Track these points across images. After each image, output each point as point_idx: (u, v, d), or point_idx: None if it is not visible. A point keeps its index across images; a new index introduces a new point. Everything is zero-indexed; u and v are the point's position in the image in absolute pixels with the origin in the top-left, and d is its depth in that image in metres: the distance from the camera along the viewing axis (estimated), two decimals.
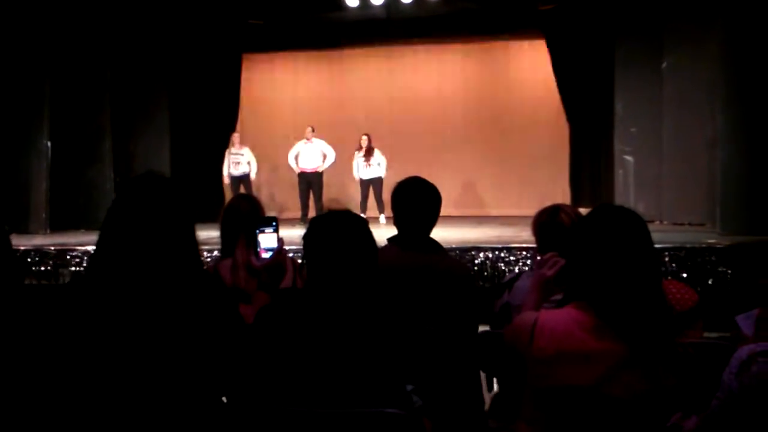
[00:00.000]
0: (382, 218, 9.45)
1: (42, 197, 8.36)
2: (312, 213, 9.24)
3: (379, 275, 1.85)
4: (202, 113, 10.58)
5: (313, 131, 9.60)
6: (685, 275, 5.64)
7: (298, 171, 9.60)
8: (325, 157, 9.58)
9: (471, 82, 11.20)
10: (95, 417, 1.58)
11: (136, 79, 9.45)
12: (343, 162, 9.87)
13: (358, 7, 9.57)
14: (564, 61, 9.91)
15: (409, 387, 1.93)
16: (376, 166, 9.53)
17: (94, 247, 1.69)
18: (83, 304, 1.64)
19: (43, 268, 6.59)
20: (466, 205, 10.85)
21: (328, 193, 10.30)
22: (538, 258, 2.11)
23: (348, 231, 1.84)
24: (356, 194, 9.89)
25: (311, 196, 9.61)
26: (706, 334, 2.53)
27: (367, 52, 11.32)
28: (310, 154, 9.57)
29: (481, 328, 2.61)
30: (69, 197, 8.78)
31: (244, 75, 11.12)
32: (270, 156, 11.50)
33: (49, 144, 8.41)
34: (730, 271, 5.65)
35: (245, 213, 2.73)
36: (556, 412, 1.65)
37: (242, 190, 9.67)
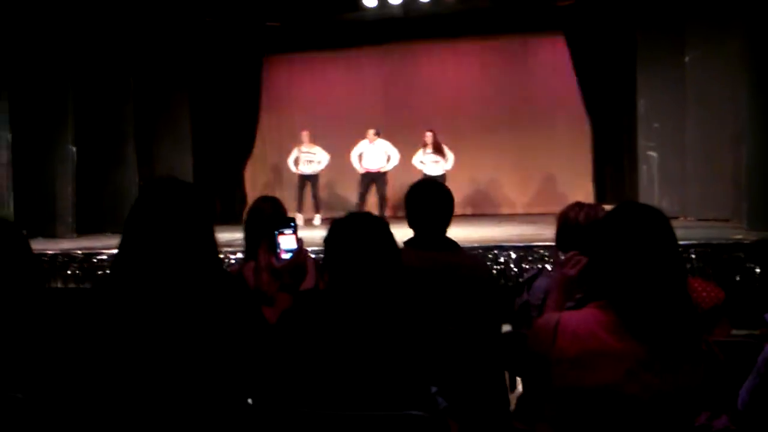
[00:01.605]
0: None
1: (68, 201, 8.47)
2: (374, 210, 9.25)
3: (401, 277, 1.84)
4: (223, 115, 10.66)
5: (377, 134, 9.55)
6: (711, 272, 5.56)
7: (362, 171, 9.57)
8: (389, 158, 9.54)
9: (490, 80, 11.14)
10: (119, 419, 1.59)
11: (159, 84, 9.55)
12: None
13: (376, 7, 9.56)
14: (584, 57, 9.83)
15: (434, 389, 1.92)
16: (443, 163, 9.42)
17: (117, 251, 1.70)
18: (107, 307, 1.65)
19: (70, 272, 6.68)
20: (487, 204, 10.79)
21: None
22: (561, 257, 2.09)
23: (369, 233, 1.83)
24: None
25: (366, 195, 9.59)
26: (734, 332, 2.49)
27: (386, 52, 11.31)
28: (375, 155, 9.54)
29: (505, 328, 2.59)
30: (94, 201, 8.89)
31: (264, 77, 11.18)
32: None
33: (74, 149, 8.52)
34: (758, 268, 5.56)
35: (268, 215, 2.74)
36: (579, 412, 1.64)
37: (309, 189, 9.70)
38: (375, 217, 1.92)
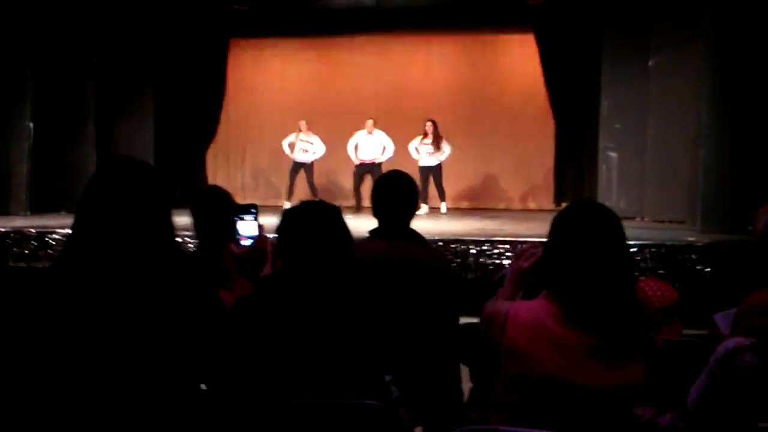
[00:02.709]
0: (443, 206, 9.43)
1: (23, 179, 8.26)
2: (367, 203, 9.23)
3: (354, 265, 1.85)
4: (187, 97, 10.48)
5: (374, 123, 9.50)
6: (664, 272, 5.68)
7: (357, 162, 9.51)
8: (384, 149, 9.49)
9: (459, 74, 11.17)
10: (70, 402, 1.56)
11: (121, 63, 9.34)
12: (330, 150, 9.84)
13: None
14: (552, 56, 9.92)
15: (387, 377, 1.93)
16: (438, 154, 9.37)
17: (70, 230, 1.66)
18: (59, 287, 1.61)
19: (25, 251, 6.52)
20: (450, 197, 10.84)
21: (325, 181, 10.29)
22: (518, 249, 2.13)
23: (321, 221, 1.83)
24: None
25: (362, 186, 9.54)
26: (685, 332, 2.55)
27: (356, 41, 11.25)
28: (370, 146, 9.48)
29: (463, 320, 2.61)
30: (51, 179, 8.68)
31: (231, 60, 11.02)
32: (256, 140, 11.48)
33: (31, 125, 8.30)
34: (708, 270, 5.70)
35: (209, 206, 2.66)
36: (528, 400, 1.67)
37: (301, 176, 9.62)
38: (328, 205, 1.92)
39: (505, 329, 1.68)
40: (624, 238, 1.73)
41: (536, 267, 1.90)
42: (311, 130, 9.78)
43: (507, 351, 1.68)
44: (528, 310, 1.71)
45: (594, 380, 1.63)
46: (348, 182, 10.09)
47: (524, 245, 2.16)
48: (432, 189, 9.49)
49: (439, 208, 9.36)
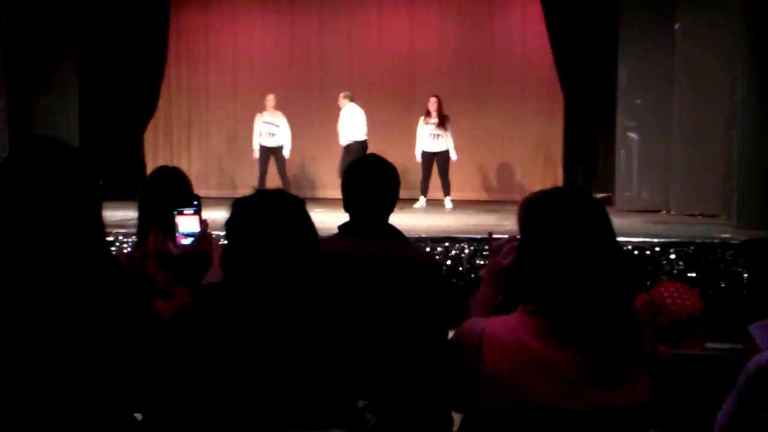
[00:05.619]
0: (448, 202, 9.53)
1: None
2: None
3: (319, 266, 1.85)
4: (119, 67, 10.40)
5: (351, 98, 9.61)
6: (693, 275, 5.75)
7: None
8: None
9: (448, 40, 11.22)
10: None
11: (39, 26, 9.26)
12: (298, 134, 9.85)
13: None
14: (560, 17, 9.97)
15: (361, 403, 1.94)
16: (445, 138, 9.40)
17: None
18: None
19: None
20: (438, 188, 10.90)
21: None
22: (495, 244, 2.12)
23: (280, 214, 1.83)
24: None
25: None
26: (715, 345, 2.60)
27: (325, 1, 11.27)
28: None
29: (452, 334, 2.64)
30: None
31: (174, 22, 10.97)
32: (205, 118, 11.46)
33: None
34: (745, 272, 5.78)
35: (164, 188, 2.70)
36: None
37: (273, 163, 9.69)
38: (288, 195, 1.91)
39: (480, 353, 1.65)
40: (612, 230, 1.69)
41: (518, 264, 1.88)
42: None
43: (484, 380, 1.65)
44: (505, 328, 1.67)
45: (587, 405, 1.62)
46: (326, 172, 10.11)
47: (501, 239, 2.11)
48: (435, 179, 9.56)
49: (443, 203, 9.48)
